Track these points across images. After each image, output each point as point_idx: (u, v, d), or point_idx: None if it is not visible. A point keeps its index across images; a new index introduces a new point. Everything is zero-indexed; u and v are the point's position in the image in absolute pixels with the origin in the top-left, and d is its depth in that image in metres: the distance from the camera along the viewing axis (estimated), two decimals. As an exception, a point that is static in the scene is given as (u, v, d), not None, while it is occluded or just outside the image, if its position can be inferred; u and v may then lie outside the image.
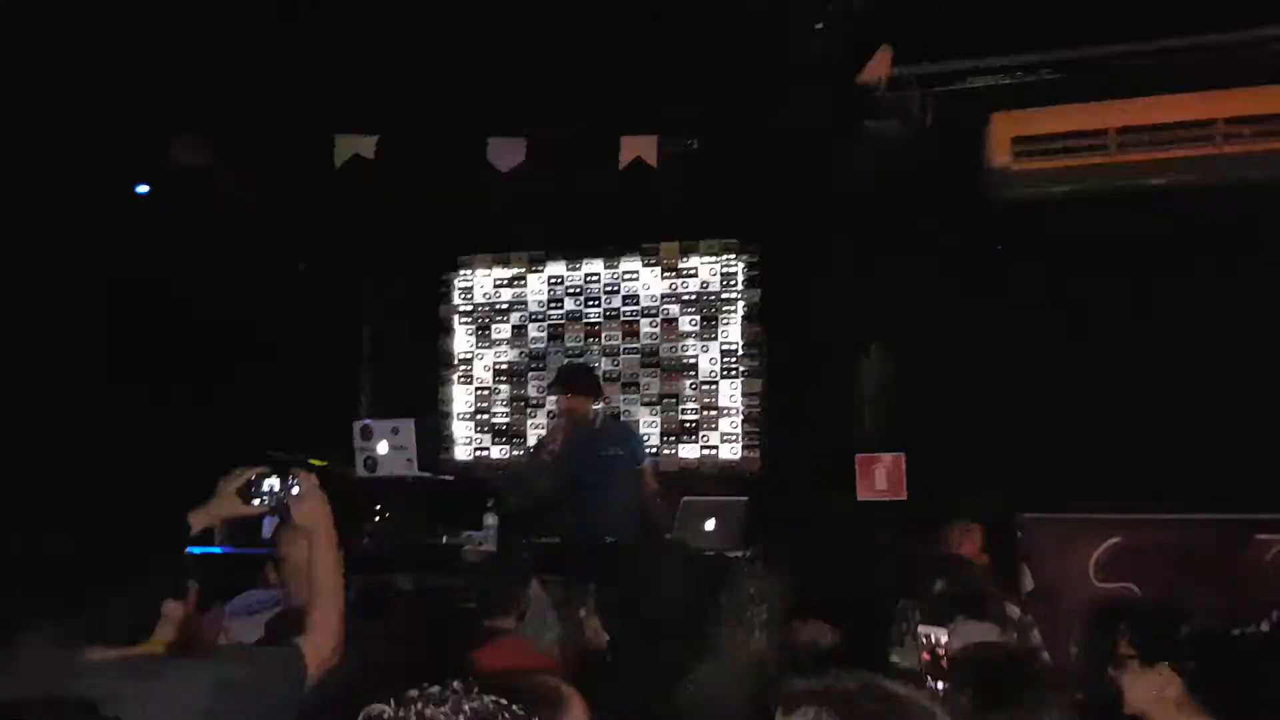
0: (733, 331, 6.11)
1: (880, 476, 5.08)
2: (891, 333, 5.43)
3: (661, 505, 4.55)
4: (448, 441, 6.51)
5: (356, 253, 6.40)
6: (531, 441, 6.27)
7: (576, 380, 5.08)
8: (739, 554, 4.27)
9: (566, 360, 6.18)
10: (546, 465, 4.81)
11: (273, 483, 2.34)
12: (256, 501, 2.33)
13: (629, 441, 5.07)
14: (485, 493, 4.88)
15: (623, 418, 6.04)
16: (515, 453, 6.37)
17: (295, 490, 2.33)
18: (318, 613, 2.25)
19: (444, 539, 4.63)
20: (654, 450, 5.96)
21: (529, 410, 6.45)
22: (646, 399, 6.19)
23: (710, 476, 5.96)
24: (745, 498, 4.73)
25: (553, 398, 5.51)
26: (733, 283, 6.13)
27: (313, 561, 2.31)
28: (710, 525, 4.45)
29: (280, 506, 2.35)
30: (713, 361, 6.13)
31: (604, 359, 6.30)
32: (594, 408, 5.01)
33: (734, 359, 6.09)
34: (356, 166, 4.95)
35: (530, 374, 6.46)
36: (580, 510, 4.73)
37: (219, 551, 4.29)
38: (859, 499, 5.11)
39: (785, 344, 5.88)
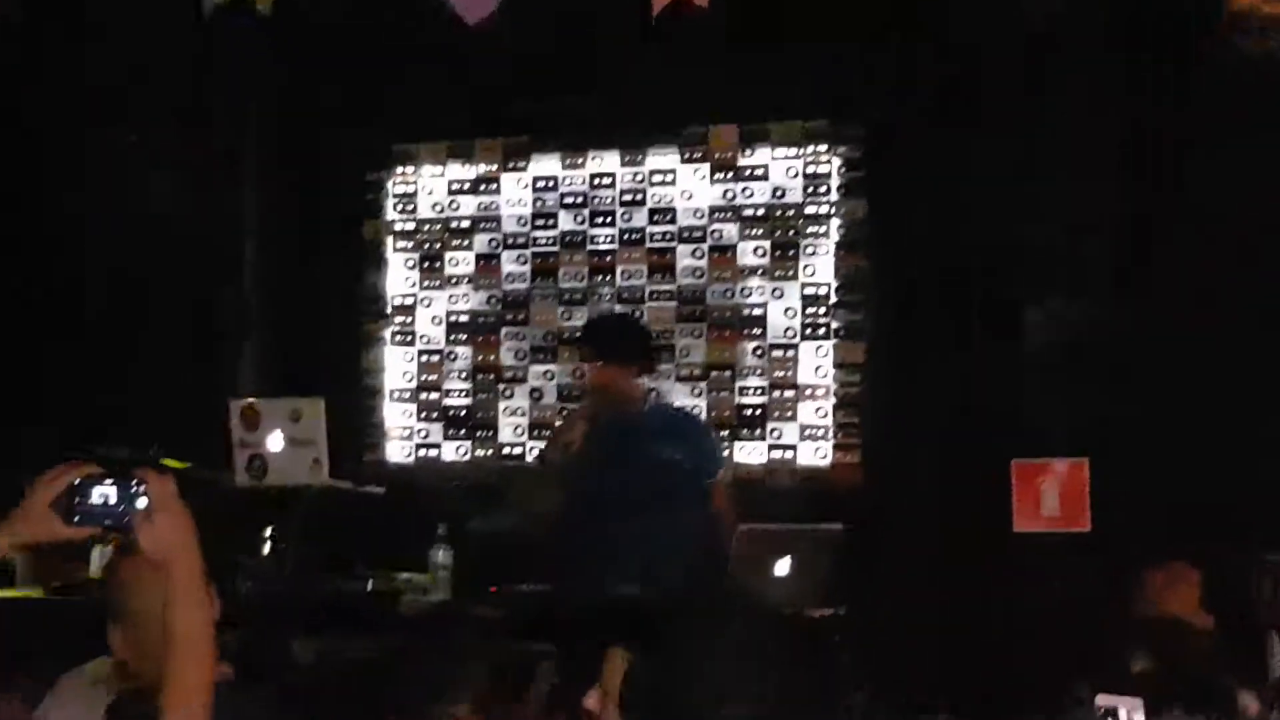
0: (821, 267, 6.11)
1: (1050, 495, 5.08)
2: (1073, 275, 5.41)
3: (733, 543, 4.51)
4: (376, 434, 6.56)
5: (229, 135, 6.42)
6: (530, 445, 6.30)
7: (615, 339, 4.96)
8: (827, 613, 4.29)
9: (594, 308, 6.19)
10: (558, 471, 4.76)
11: (106, 492, 2.35)
12: (80, 520, 2.35)
13: (695, 439, 4.96)
14: (434, 513, 4.90)
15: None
16: (481, 452, 6.41)
17: (141, 503, 2.35)
18: (176, 689, 2.27)
19: (369, 583, 4.67)
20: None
21: (503, 386, 6.47)
22: (685, 370, 6.20)
23: (783, 492, 5.98)
24: (839, 525, 4.73)
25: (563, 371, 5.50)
26: (823, 190, 6.12)
27: (169, 612, 2.34)
28: (783, 568, 4.46)
29: (119, 528, 2.36)
30: (789, 314, 6.13)
31: (618, 307, 6.32)
32: (640, 385, 4.93)
33: (823, 310, 6.08)
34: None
35: (505, 330, 6.49)
36: (606, 545, 4.67)
37: (23, 598, 4.34)
38: (1016, 529, 5.12)
39: (903, 287, 5.87)
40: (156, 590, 2.40)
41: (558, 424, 5.52)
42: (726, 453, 5.76)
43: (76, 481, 2.34)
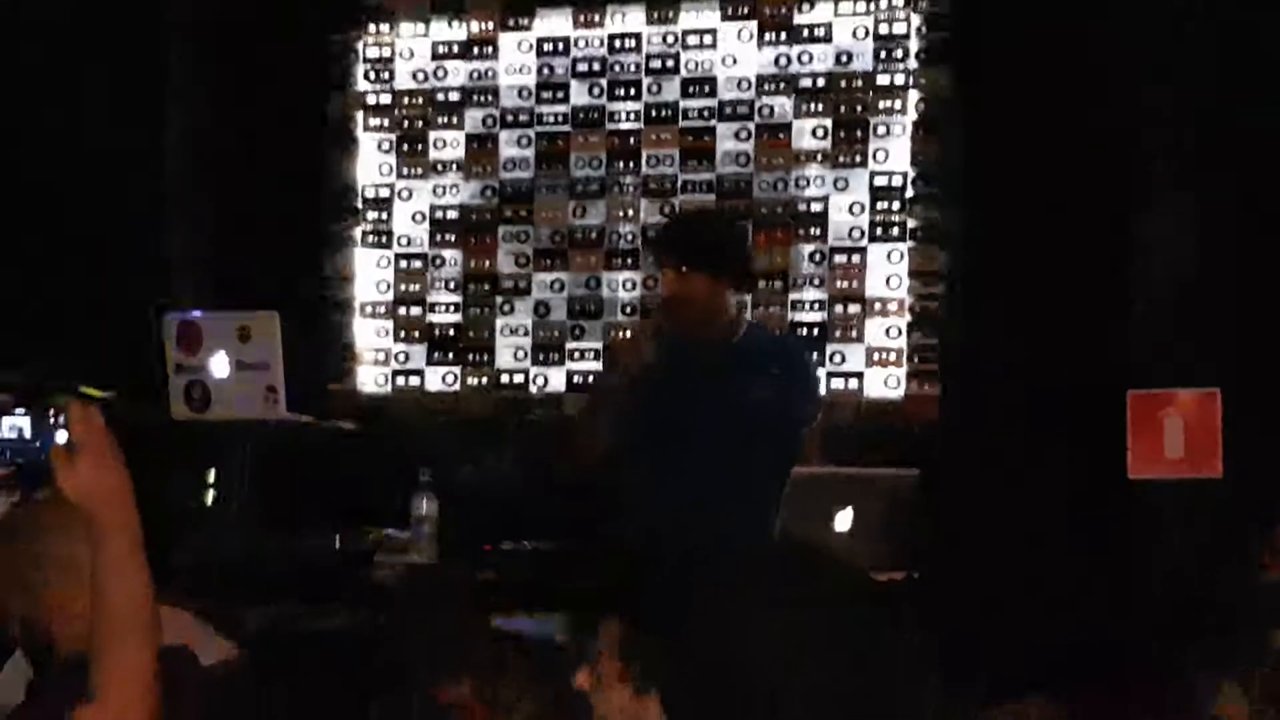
0: (896, 151, 6.12)
1: (1173, 434, 5.10)
2: (1209, 173, 5.39)
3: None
4: (345, 357, 6.62)
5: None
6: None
7: (701, 242, 4.88)
8: (897, 576, 4.34)
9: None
10: (614, 398, 4.72)
11: (18, 424, 2.41)
12: None
13: (795, 376, 4.86)
14: (416, 456, 4.95)
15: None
16: (473, 380, 6.45)
17: (60, 438, 2.39)
18: (109, 664, 2.32)
19: (338, 540, 4.72)
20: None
21: (500, 300, 6.51)
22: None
23: (846, 429, 6.00)
24: (915, 470, 4.76)
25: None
26: (898, 55, 6.12)
27: (97, 576, 2.39)
28: (845, 520, 4.51)
29: (31, 470, 2.41)
30: (856, 210, 6.15)
31: (644, 200, 6.34)
32: (731, 302, 4.86)
33: (896, 205, 6.10)
34: None
35: (503, 229, 6.52)
36: (668, 495, 4.61)
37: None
38: (1132, 475, 5.15)
39: (996, 180, 5.86)
40: (79, 548, 2.45)
41: (619, 339, 5.53)
42: (823, 391, 5.64)
43: None
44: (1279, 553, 3.98)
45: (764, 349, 4.97)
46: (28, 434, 2.47)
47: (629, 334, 4.80)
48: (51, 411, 2.43)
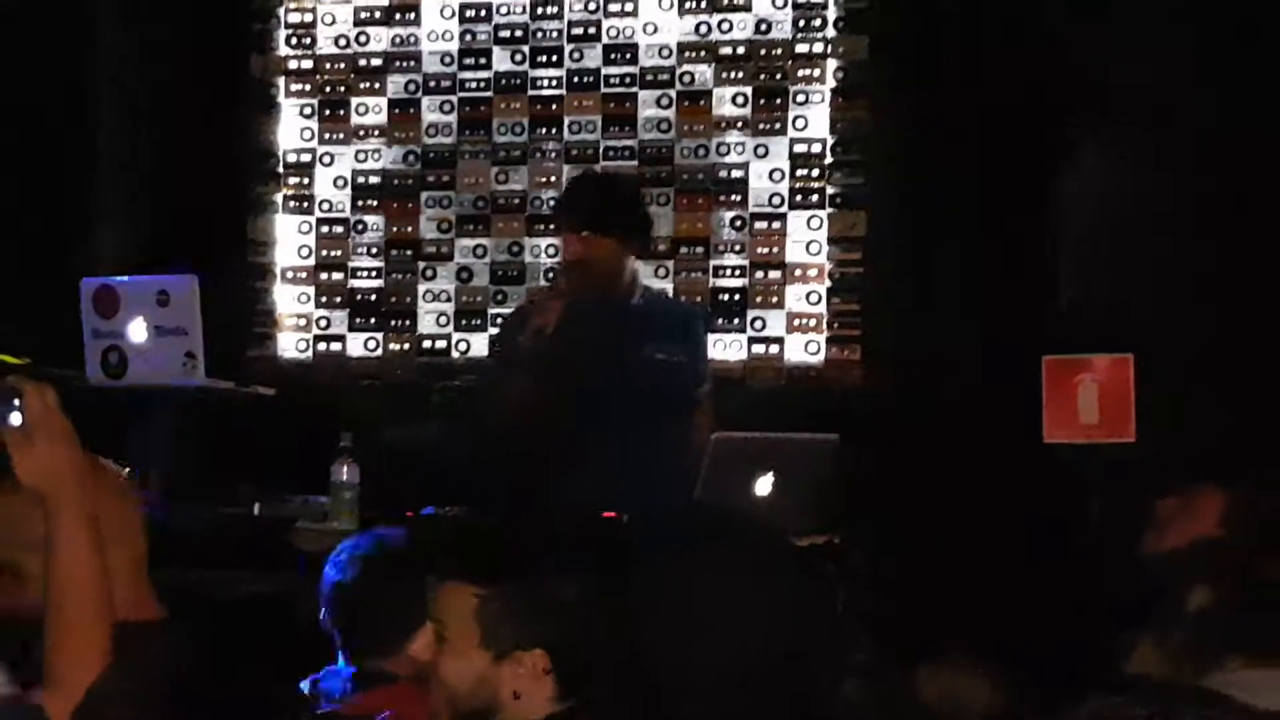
0: (815, 118, 6.12)
1: (1088, 398, 5.13)
2: (1125, 133, 5.42)
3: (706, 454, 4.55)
4: (266, 322, 6.57)
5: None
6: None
7: (604, 206, 4.96)
8: (819, 541, 4.34)
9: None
10: (527, 359, 4.76)
11: None
12: None
13: (691, 337, 5.02)
14: (336, 422, 4.92)
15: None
16: (395, 345, 6.41)
17: (15, 420, 2.38)
18: (67, 646, 2.34)
19: (256, 508, 4.69)
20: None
21: (423, 265, 6.47)
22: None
23: (768, 394, 6.03)
24: (834, 435, 4.77)
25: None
26: (817, 23, 6.11)
27: (51, 559, 2.36)
28: (765, 485, 4.51)
29: None
30: (776, 176, 6.15)
31: (566, 166, 6.31)
32: (633, 266, 4.95)
33: (816, 172, 6.09)
34: None
35: (425, 195, 6.48)
36: (575, 457, 4.75)
37: None
38: (1046, 440, 5.18)
39: (914, 144, 5.88)
40: (31, 528, 2.41)
41: (527, 303, 5.51)
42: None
43: None
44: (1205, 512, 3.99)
45: (661, 312, 5.06)
46: None
47: (538, 298, 4.79)
48: (5, 392, 2.38)
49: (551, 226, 6.10)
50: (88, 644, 2.35)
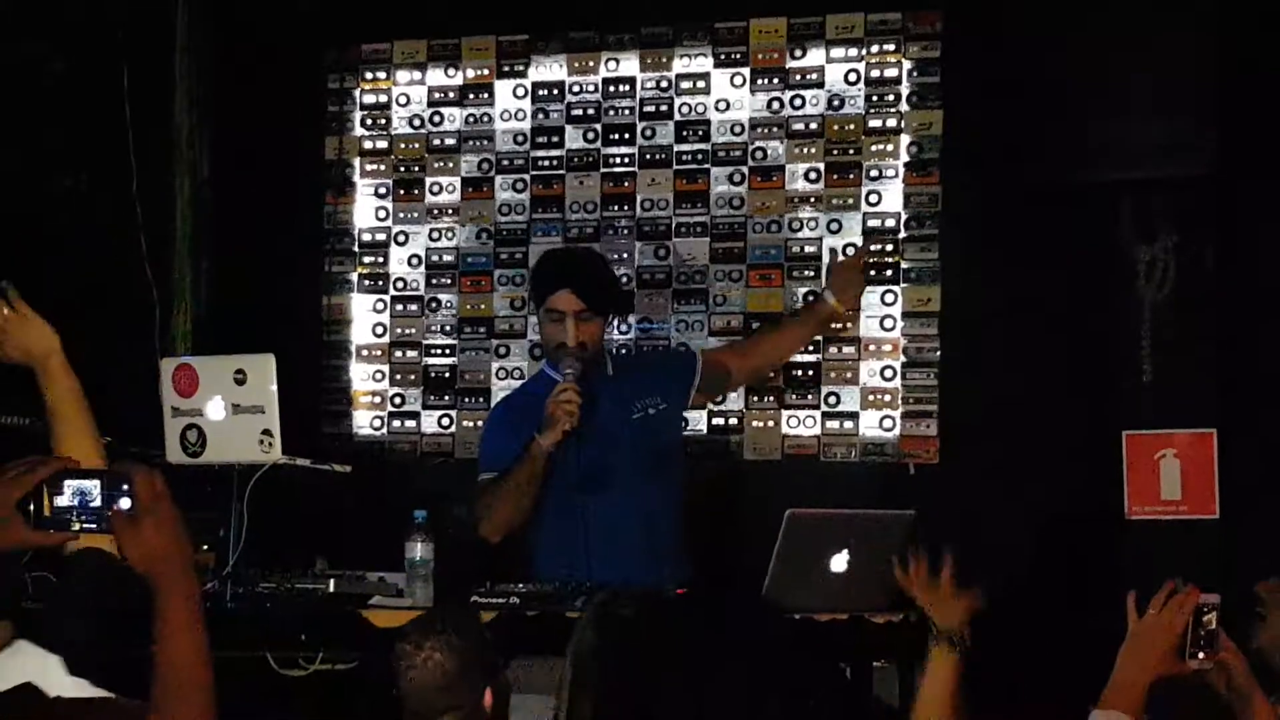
0: (888, 193, 6.11)
1: (1169, 475, 5.08)
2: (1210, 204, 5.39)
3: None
4: (340, 399, 6.58)
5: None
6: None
7: (602, 286, 5.09)
8: (895, 618, 4.30)
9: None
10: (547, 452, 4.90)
11: (84, 489, 2.40)
12: (50, 524, 2.40)
13: (660, 376, 5.29)
14: (411, 498, 4.90)
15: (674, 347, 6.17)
16: (469, 423, 6.41)
17: (125, 504, 2.41)
18: None
19: (331, 584, 4.68)
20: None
21: (496, 343, 6.48)
22: (721, 321, 6.20)
23: (843, 471, 6.00)
24: (910, 511, 4.74)
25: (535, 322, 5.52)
26: (891, 96, 6.10)
27: (160, 635, 2.40)
28: (840, 562, 4.47)
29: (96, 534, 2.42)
30: (849, 252, 6.11)
31: (638, 243, 6.32)
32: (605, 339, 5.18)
33: (889, 247, 6.07)
34: None
35: (499, 272, 6.49)
36: (602, 528, 4.95)
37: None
38: (1129, 516, 5.13)
39: (990, 218, 5.86)
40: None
41: (504, 403, 5.57)
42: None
43: (46, 478, 2.38)
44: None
45: (630, 369, 5.32)
46: (91, 501, 2.46)
47: (560, 392, 4.81)
48: (116, 477, 2.43)
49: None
50: (189, 715, 2.40)
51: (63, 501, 2.40)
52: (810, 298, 5.89)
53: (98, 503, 2.40)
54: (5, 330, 3.73)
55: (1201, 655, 3.21)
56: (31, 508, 2.40)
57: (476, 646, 3.66)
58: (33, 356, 3.71)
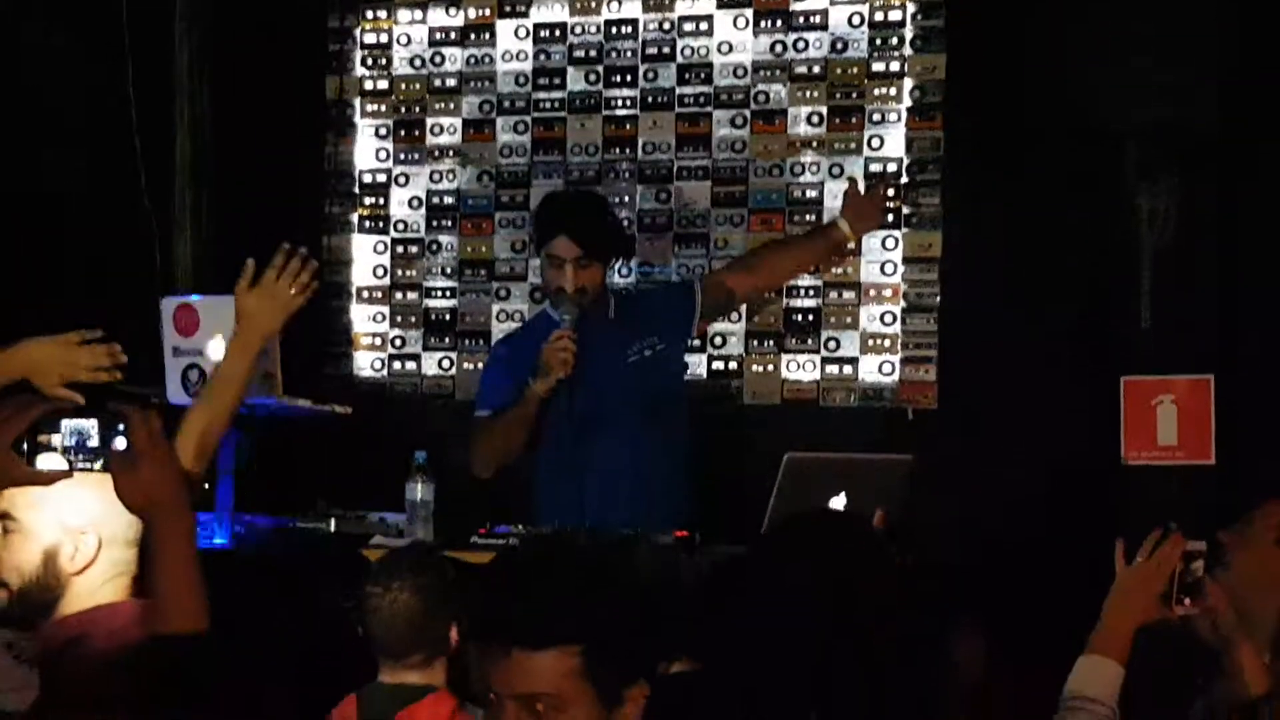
0: (891, 138, 6.10)
1: (1166, 421, 5.09)
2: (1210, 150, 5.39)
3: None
4: (340, 341, 6.60)
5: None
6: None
7: (604, 231, 5.12)
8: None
9: (566, 187, 6.24)
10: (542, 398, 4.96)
11: (80, 429, 2.41)
12: (51, 462, 2.42)
13: (661, 315, 5.34)
14: (412, 439, 4.93)
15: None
16: (469, 365, 6.43)
17: (120, 444, 2.42)
18: None
19: (332, 524, 4.71)
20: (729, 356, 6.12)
21: (496, 285, 6.49)
22: (721, 264, 6.19)
23: (841, 415, 6.01)
24: (909, 456, 4.77)
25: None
26: (894, 40, 6.09)
27: (155, 575, 2.43)
28: (837, 505, 4.49)
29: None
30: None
31: (640, 186, 6.31)
32: (608, 280, 5.19)
33: (892, 191, 6.06)
34: None
35: (500, 215, 6.49)
36: (598, 471, 5.01)
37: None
38: (1125, 461, 5.14)
39: (989, 160, 5.86)
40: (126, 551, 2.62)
41: (502, 343, 5.62)
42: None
43: (43, 416, 2.39)
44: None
45: (631, 311, 5.35)
46: (87, 440, 2.48)
47: (555, 339, 4.85)
48: (112, 417, 2.44)
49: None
50: None
51: (60, 441, 2.42)
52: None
53: (94, 442, 2.41)
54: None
55: (1188, 601, 3.25)
56: (25, 447, 2.41)
57: (442, 585, 3.71)
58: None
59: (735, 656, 2.52)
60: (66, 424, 2.45)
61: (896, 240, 6.04)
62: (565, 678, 2.27)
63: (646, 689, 2.35)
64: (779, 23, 6.20)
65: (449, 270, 6.52)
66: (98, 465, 2.50)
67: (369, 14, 6.60)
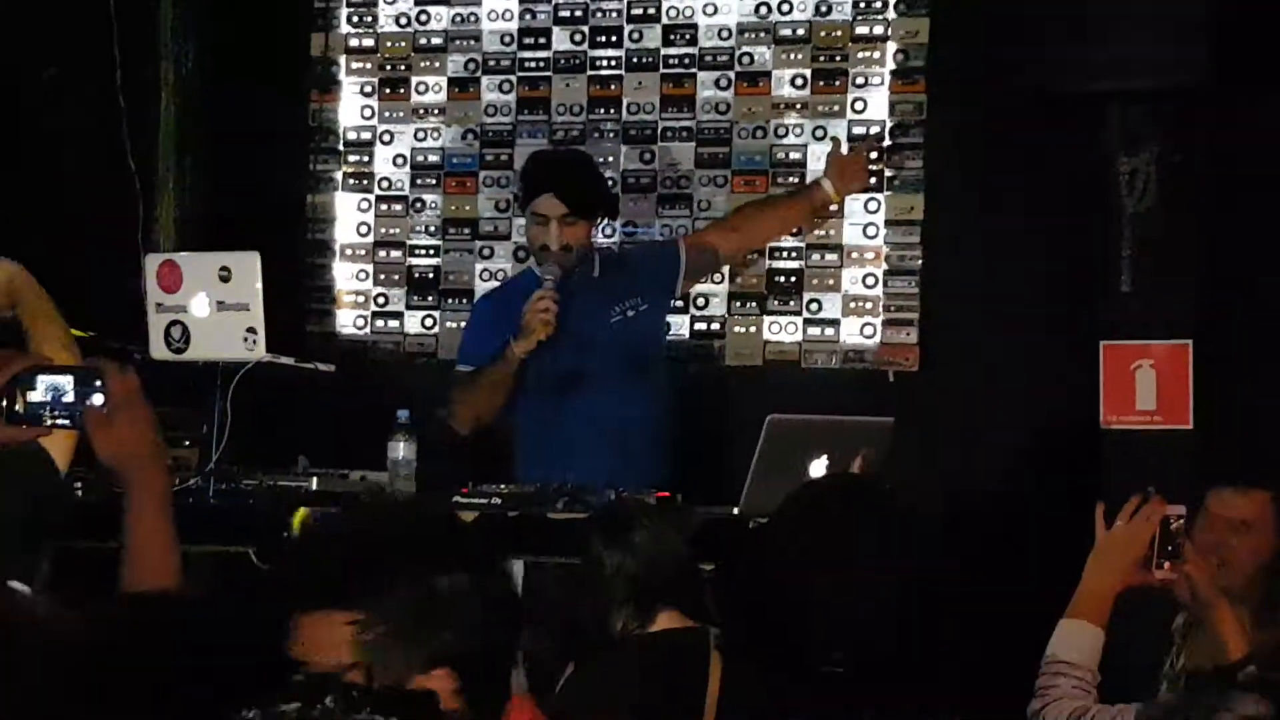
0: (874, 101, 6.09)
1: (1145, 385, 5.11)
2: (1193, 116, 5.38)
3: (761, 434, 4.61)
4: (324, 298, 6.59)
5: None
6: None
7: (589, 189, 5.12)
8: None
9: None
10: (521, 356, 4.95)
11: (56, 384, 2.41)
12: (22, 419, 2.41)
13: (655, 269, 5.37)
14: (395, 398, 4.93)
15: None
16: (452, 323, 6.42)
17: (97, 400, 2.42)
18: None
19: (314, 481, 4.71)
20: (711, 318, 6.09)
21: (480, 245, 6.48)
22: (705, 225, 6.20)
23: (823, 377, 6.02)
24: (890, 419, 4.78)
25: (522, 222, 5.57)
26: (878, 3, 6.09)
27: (130, 531, 2.43)
28: (819, 467, 4.51)
29: (69, 429, 2.44)
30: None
31: (624, 147, 6.31)
32: (593, 239, 5.18)
33: (875, 154, 6.06)
34: None
35: (484, 174, 6.48)
36: (579, 431, 5.04)
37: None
38: (1103, 425, 5.16)
39: (975, 127, 5.86)
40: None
41: (486, 298, 5.64)
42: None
43: (19, 373, 2.39)
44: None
45: (616, 270, 5.37)
46: (63, 396, 2.46)
47: (537, 299, 4.85)
48: (89, 373, 2.43)
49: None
50: None
51: (35, 397, 2.41)
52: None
53: (70, 399, 2.41)
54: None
55: (1167, 565, 3.26)
56: (4, 403, 2.41)
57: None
58: None
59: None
60: (42, 379, 2.44)
61: (879, 203, 6.04)
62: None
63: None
64: (765, -16, 6.19)
65: (433, 229, 6.52)
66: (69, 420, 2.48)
67: (355, -30, 6.58)
